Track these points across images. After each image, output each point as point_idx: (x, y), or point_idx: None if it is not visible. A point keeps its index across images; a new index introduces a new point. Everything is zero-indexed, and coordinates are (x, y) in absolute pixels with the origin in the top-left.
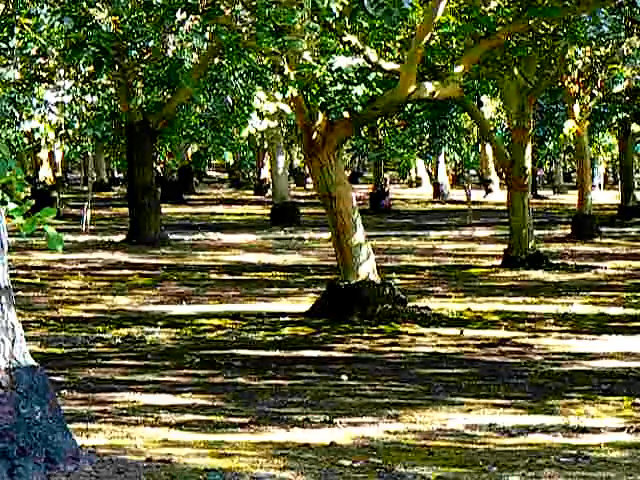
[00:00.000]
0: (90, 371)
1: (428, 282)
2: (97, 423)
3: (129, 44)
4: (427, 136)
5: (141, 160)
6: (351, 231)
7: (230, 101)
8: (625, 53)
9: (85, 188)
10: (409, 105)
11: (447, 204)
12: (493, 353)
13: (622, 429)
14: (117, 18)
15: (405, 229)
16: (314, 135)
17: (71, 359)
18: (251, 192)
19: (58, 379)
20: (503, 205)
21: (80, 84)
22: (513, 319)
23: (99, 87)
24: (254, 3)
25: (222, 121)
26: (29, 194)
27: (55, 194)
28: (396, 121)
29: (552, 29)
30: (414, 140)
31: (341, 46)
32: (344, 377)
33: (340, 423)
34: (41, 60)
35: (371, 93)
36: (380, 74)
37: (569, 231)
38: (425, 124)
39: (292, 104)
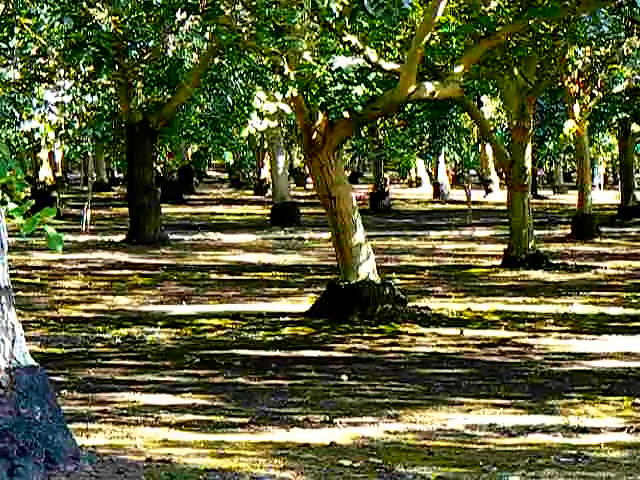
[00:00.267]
0: (90, 371)
1: (428, 282)
2: (97, 423)
3: (129, 44)
4: (427, 136)
5: (141, 160)
6: (351, 231)
7: (230, 101)
8: (625, 53)
9: (85, 188)
10: (409, 105)
11: (447, 204)
12: (493, 353)
13: (622, 429)
14: (117, 18)
15: (405, 229)
16: (314, 135)
17: (71, 359)
18: (251, 192)
19: (58, 379)
20: (503, 205)
21: (80, 84)
22: (513, 319)
23: (99, 87)
24: (254, 3)
25: (222, 121)
26: (29, 194)
27: (55, 194)
28: (396, 121)
29: (552, 29)
30: (414, 140)
31: (341, 46)
32: (344, 377)
33: (340, 423)
34: (41, 60)
35: (371, 93)
36: (380, 74)
37: (569, 231)
38: (425, 124)
39: (292, 104)
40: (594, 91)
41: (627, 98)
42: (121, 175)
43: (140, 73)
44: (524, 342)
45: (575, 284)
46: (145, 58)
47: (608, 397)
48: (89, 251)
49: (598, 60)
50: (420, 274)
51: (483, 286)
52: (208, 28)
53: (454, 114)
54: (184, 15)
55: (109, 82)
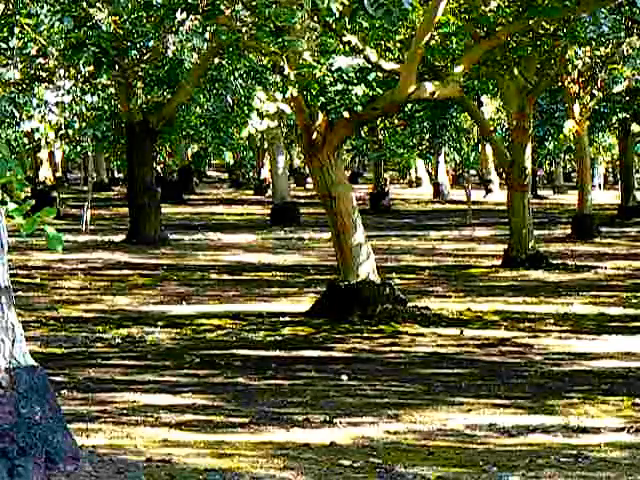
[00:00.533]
0: (90, 371)
1: (428, 282)
2: (97, 423)
3: (129, 44)
4: (427, 136)
5: (141, 160)
6: (351, 231)
7: (230, 101)
8: (625, 53)
9: (85, 188)
10: (409, 105)
11: (447, 204)
12: (493, 353)
13: (622, 429)
14: (117, 18)
15: (405, 229)
16: (314, 135)
17: (71, 359)
18: (251, 192)
19: (58, 379)
20: (503, 205)
21: (80, 84)
22: (513, 319)
23: (99, 87)
24: (254, 3)
25: (222, 121)
26: (29, 194)
27: (55, 194)
28: (396, 121)
29: (552, 29)
30: (414, 140)
31: (341, 46)
32: (344, 377)
33: (340, 423)
34: (41, 60)
35: (371, 93)
36: (380, 74)
37: (569, 231)
38: (425, 124)
39: (292, 104)
40: (594, 91)
41: (627, 98)
42: (121, 175)
43: (140, 73)
44: (524, 342)
45: (575, 284)
46: (145, 58)
47: (608, 397)
48: (89, 251)
49: (598, 60)
50: (420, 274)
51: (483, 286)
52: (208, 28)
53: (454, 114)
54: (184, 15)
55: (109, 82)
